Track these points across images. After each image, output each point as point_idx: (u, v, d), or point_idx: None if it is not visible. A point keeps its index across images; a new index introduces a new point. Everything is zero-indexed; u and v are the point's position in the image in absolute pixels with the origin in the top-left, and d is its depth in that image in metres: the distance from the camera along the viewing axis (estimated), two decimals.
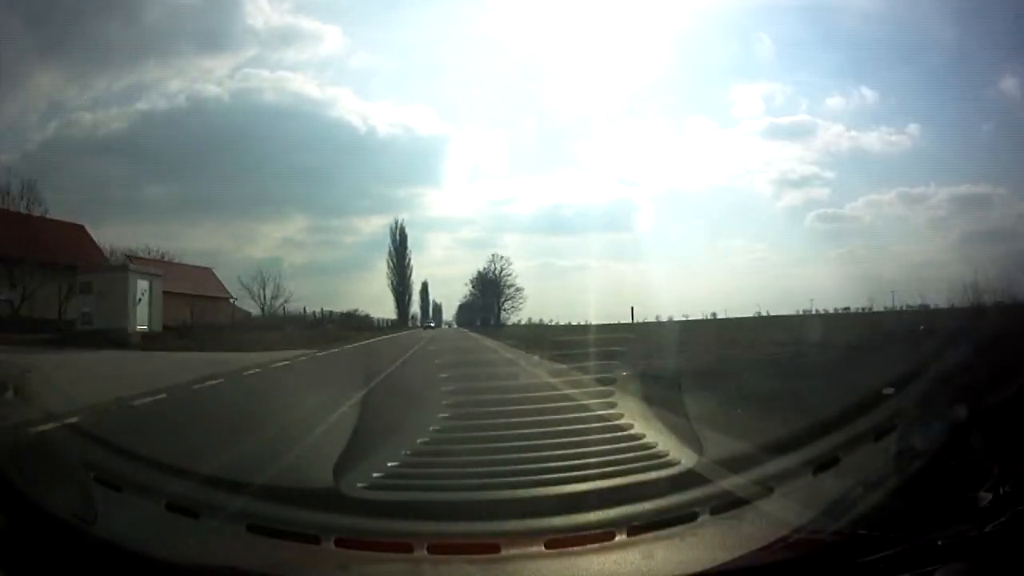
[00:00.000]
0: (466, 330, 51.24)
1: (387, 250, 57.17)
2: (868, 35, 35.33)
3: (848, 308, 34.90)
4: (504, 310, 54.97)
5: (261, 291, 42.10)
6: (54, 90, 40.76)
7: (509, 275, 54.19)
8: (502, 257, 54.39)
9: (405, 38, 56.11)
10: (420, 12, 49.54)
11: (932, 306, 25.39)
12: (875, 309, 31.47)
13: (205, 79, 47.90)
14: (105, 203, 41.58)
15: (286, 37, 54.76)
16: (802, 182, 51.43)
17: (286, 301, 42.16)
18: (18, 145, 37.68)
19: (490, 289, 55.34)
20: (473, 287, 58.08)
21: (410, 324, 59.61)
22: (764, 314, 36.68)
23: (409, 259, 58.77)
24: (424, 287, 63.63)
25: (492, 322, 53.52)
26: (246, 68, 52.34)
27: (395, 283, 60.11)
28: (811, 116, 45.23)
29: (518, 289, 54.62)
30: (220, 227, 54.98)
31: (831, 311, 35.16)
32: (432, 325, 56.28)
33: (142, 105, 40.96)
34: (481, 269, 55.31)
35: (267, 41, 49.96)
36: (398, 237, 58.30)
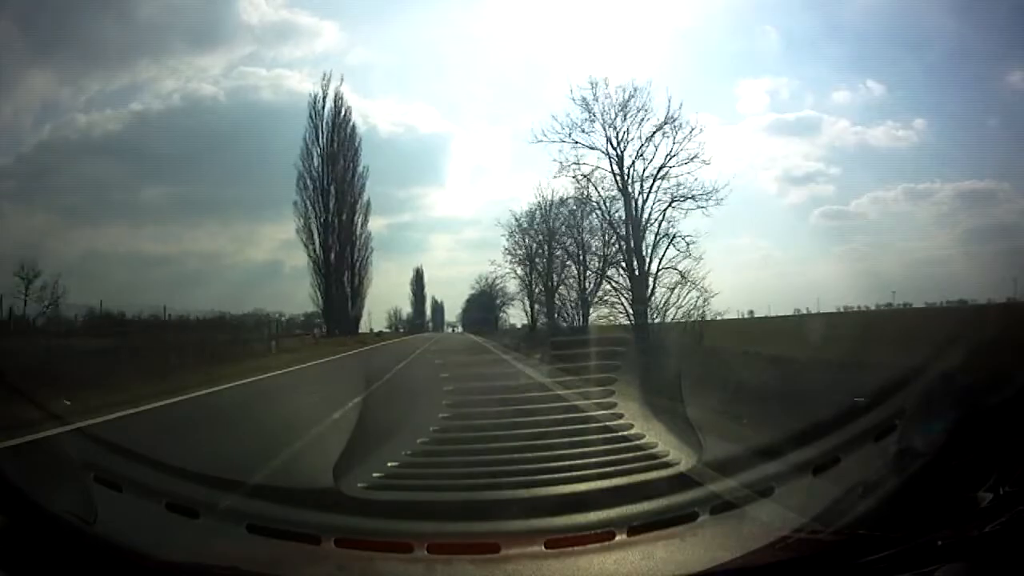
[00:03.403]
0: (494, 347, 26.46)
1: (300, 151, 29.84)
2: (874, 28, 35.13)
3: (891, 303, 33.53)
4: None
5: None
6: (48, 92, 40.75)
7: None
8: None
9: (404, 34, 55.89)
10: (419, 7, 49.50)
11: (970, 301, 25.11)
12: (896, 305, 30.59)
13: (200, 78, 47.99)
14: (103, 205, 41.39)
15: (282, 33, 54.66)
16: (807, 179, 51.08)
17: None
18: (13, 148, 37.59)
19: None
20: (511, 233, 25.07)
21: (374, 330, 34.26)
22: (805, 312, 34.41)
23: (361, 175, 31.08)
24: (418, 275, 52.60)
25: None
26: (241, 66, 52.30)
27: (319, 228, 30.62)
28: (816, 112, 44.59)
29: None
30: (221, 229, 54.22)
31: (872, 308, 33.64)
32: None
33: (136, 106, 40.80)
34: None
35: (262, 37, 50.07)
36: (324, 114, 30.19)
